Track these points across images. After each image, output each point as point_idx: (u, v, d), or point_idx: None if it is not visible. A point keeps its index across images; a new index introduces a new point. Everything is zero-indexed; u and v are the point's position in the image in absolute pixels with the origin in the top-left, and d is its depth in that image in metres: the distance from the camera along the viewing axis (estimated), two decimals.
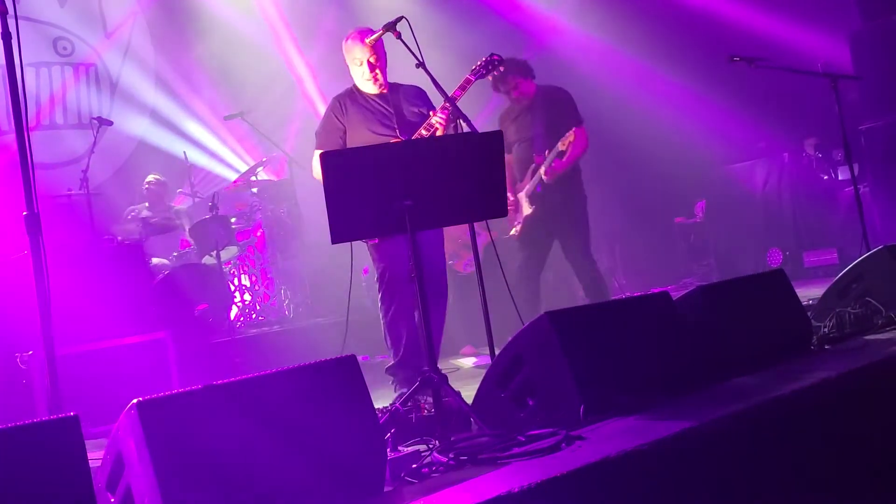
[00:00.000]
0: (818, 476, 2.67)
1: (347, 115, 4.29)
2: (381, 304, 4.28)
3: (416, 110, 4.31)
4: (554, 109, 5.53)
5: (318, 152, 4.20)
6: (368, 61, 4.22)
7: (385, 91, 4.30)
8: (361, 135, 4.25)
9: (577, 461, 2.17)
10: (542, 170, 5.43)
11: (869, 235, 5.12)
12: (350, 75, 4.40)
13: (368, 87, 4.31)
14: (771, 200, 8.38)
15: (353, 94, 4.36)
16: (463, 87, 4.11)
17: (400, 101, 4.32)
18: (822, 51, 7.74)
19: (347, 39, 4.34)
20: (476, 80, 4.21)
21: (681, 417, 2.51)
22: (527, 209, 5.58)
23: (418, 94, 4.39)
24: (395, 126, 4.23)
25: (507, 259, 6.58)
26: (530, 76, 5.57)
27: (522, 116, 5.62)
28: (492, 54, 4.25)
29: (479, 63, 4.23)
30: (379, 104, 4.30)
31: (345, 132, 4.29)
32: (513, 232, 5.77)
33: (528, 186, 5.56)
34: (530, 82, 5.58)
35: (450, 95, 3.97)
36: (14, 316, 5.57)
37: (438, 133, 4.10)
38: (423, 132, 4.07)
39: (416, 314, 4.25)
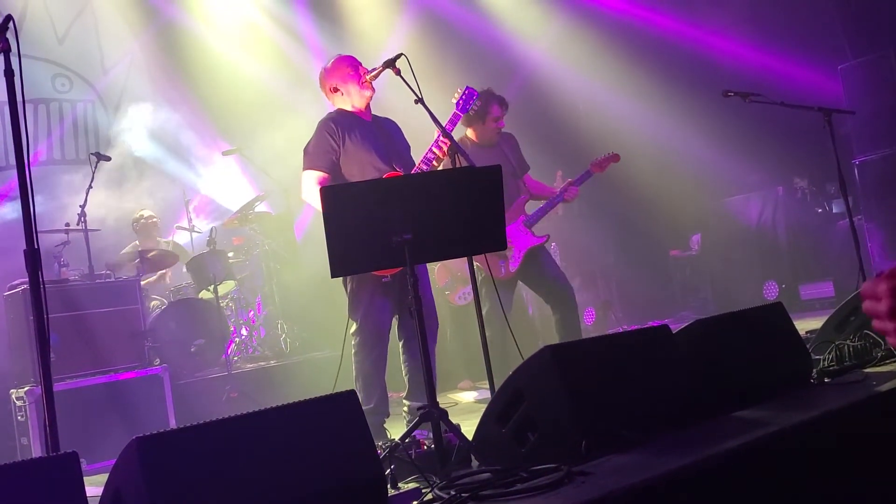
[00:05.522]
0: None
1: (345, 139, 4.24)
2: (359, 351, 4.17)
3: (398, 140, 4.42)
4: (515, 150, 5.54)
5: (310, 173, 4.25)
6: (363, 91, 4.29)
7: (370, 119, 4.37)
8: (360, 158, 4.22)
9: (581, 497, 2.15)
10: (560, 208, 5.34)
11: (864, 267, 5.14)
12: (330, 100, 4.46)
13: (360, 103, 4.31)
14: (766, 233, 8.43)
15: (349, 117, 4.33)
16: (453, 122, 4.12)
17: (386, 130, 4.39)
18: (814, 85, 7.85)
19: (341, 64, 4.35)
20: (463, 114, 4.21)
21: (683, 452, 2.50)
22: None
23: (397, 128, 4.49)
24: (389, 153, 4.26)
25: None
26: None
27: (488, 151, 5.37)
28: (467, 87, 4.23)
29: (460, 97, 4.21)
30: (373, 129, 4.33)
31: (339, 155, 4.24)
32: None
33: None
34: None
35: (446, 130, 3.98)
36: (8, 352, 5.56)
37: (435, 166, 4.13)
38: (423, 167, 4.09)
39: (410, 346, 4.24)
